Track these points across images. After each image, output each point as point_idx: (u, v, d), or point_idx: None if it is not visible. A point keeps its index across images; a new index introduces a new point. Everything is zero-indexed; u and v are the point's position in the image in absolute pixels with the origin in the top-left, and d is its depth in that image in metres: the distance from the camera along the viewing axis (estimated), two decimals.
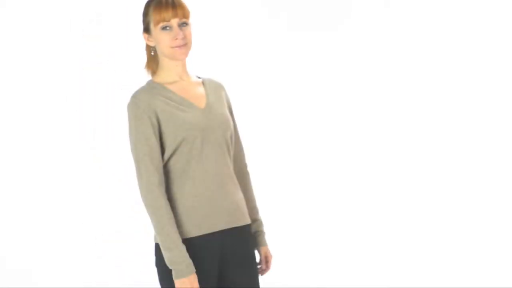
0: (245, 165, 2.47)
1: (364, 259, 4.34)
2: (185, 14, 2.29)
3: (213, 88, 2.39)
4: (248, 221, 2.36)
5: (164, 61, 2.35)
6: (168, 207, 2.22)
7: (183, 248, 2.19)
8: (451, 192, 4.40)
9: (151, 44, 2.35)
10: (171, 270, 2.19)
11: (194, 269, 2.19)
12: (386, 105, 4.50)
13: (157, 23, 2.29)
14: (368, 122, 4.51)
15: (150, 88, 2.32)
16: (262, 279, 2.41)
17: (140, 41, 4.44)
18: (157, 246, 2.26)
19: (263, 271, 2.45)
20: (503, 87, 4.38)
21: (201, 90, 2.36)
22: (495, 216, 4.34)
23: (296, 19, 4.50)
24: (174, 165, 2.25)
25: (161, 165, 2.24)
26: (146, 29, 2.35)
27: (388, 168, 4.48)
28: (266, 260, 2.45)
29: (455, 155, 4.42)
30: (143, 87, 2.34)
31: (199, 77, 2.42)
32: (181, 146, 2.24)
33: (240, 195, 2.35)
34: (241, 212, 2.33)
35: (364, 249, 4.37)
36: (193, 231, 2.24)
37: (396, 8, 4.48)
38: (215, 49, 4.35)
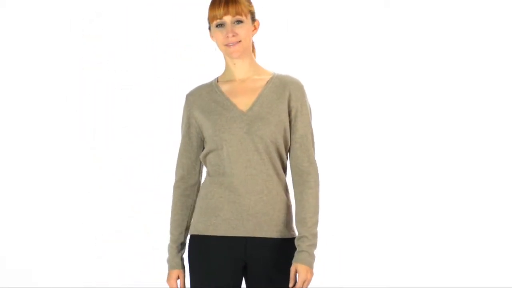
0: (306, 172, 2.28)
1: (365, 259, 4.34)
2: (238, 11, 2.25)
3: (276, 87, 2.30)
4: (285, 235, 2.26)
5: (225, 59, 2.35)
6: (181, 204, 2.34)
7: (173, 244, 2.33)
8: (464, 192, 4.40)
9: (213, 41, 2.33)
10: (188, 261, 2.31)
11: (174, 267, 2.32)
12: (386, 105, 4.49)
13: (212, 20, 2.28)
14: (368, 122, 4.51)
15: (206, 86, 2.36)
16: None
17: (139, 41, 4.45)
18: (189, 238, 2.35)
19: None
20: (504, 87, 4.38)
21: (258, 90, 2.30)
22: (495, 216, 4.34)
23: (295, 19, 4.49)
24: (209, 164, 2.30)
25: (189, 162, 2.35)
26: (209, 28, 2.33)
27: (391, 169, 4.48)
28: (297, 278, 2.22)
29: (459, 154, 4.42)
30: (204, 83, 2.39)
31: (273, 74, 2.35)
32: (213, 148, 2.27)
33: (279, 206, 2.25)
34: (273, 223, 2.25)
35: (367, 249, 4.37)
36: (210, 230, 2.25)
37: (396, 8, 4.47)
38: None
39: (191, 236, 2.30)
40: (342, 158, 4.44)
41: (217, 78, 2.37)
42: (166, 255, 2.36)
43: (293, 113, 2.30)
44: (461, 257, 4.27)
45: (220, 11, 2.24)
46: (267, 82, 2.31)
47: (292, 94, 2.30)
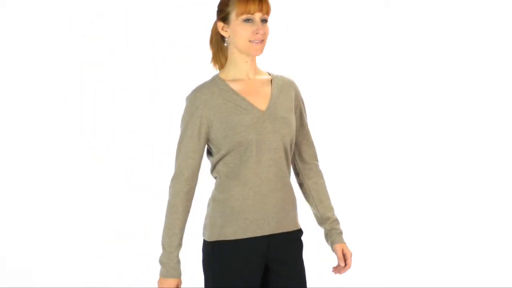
0: (315, 165, 2.41)
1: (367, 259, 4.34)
2: (268, 10, 2.23)
3: (281, 87, 2.32)
4: (298, 227, 2.33)
5: (234, 55, 2.27)
6: (184, 208, 2.25)
7: (175, 251, 2.24)
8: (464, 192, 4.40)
9: (225, 34, 2.25)
10: (211, 269, 2.24)
11: (175, 275, 2.23)
12: (386, 105, 4.49)
13: (241, 14, 2.20)
14: (368, 122, 4.51)
15: (213, 84, 2.26)
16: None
17: (139, 41, 4.45)
18: (204, 243, 2.29)
19: (341, 269, 2.38)
20: (504, 87, 4.38)
21: (267, 89, 2.29)
22: (495, 216, 4.34)
23: (295, 19, 4.49)
24: (227, 166, 2.24)
25: (195, 164, 2.25)
26: (224, 19, 2.25)
27: (391, 168, 4.48)
28: (345, 257, 2.37)
29: (458, 154, 4.42)
30: (207, 81, 2.28)
31: (269, 74, 2.35)
32: (235, 149, 2.22)
33: (291, 200, 2.31)
34: (290, 217, 2.30)
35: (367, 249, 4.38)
36: (238, 234, 2.23)
37: (396, 8, 4.48)
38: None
39: (217, 242, 2.24)
40: (341, 158, 4.44)
41: (218, 76, 2.30)
42: (160, 260, 2.26)
43: (298, 112, 2.35)
44: (461, 257, 4.28)
45: (255, 6, 2.20)
46: (271, 81, 2.32)
47: (296, 94, 2.35)
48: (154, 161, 4.41)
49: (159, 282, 2.24)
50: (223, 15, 2.25)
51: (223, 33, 2.26)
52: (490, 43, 4.38)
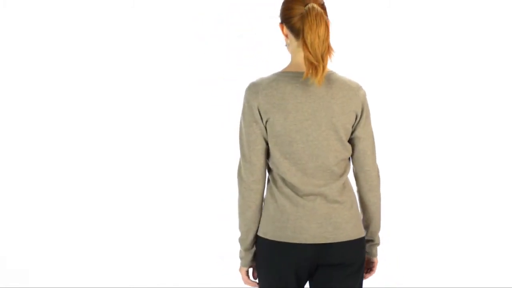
0: None
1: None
2: None
3: None
4: None
5: None
6: None
7: None
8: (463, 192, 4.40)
9: None
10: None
11: None
12: (388, 106, 4.50)
13: None
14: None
15: None
16: None
17: (143, 41, 4.44)
18: (362, 240, 2.32)
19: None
20: (504, 87, 4.39)
21: None
22: (496, 216, 4.35)
23: None
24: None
25: None
26: None
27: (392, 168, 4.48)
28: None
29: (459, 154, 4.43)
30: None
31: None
32: None
33: None
34: None
35: None
36: None
37: (397, 8, 4.48)
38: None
39: None
40: None
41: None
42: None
43: None
44: (461, 257, 4.28)
45: None
46: None
47: None
48: (155, 161, 4.41)
49: None
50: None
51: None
52: (491, 43, 4.39)
